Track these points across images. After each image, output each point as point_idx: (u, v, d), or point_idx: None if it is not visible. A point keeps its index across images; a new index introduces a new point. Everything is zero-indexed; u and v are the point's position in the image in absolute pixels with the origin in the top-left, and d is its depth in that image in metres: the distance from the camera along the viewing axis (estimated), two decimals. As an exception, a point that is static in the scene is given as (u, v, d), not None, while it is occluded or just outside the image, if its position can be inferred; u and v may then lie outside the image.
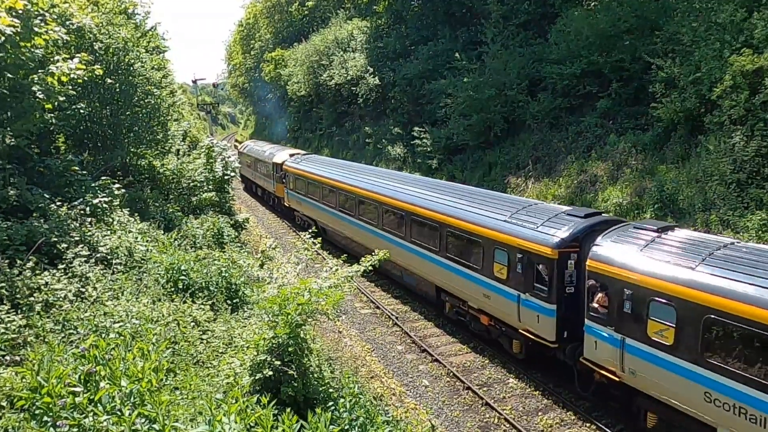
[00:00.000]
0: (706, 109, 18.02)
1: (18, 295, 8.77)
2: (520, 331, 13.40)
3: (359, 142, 43.40)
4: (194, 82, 73.28)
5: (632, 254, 10.78)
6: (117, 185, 15.41)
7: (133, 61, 18.31)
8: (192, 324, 10.63)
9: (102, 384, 5.85)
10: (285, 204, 31.18)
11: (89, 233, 11.87)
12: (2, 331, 7.77)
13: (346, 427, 7.57)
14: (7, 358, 7.36)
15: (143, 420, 5.49)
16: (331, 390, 8.98)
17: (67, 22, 14.46)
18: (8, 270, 9.09)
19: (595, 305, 11.23)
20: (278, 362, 8.39)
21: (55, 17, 13.47)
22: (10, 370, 6.62)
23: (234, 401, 6.29)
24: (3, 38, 10.46)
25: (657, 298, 9.98)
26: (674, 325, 9.67)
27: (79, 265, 10.47)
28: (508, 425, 11.98)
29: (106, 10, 18.91)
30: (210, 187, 23.94)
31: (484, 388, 13.40)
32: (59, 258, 10.47)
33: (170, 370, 8.01)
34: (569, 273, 12.36)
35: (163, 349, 7.30)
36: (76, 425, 5.33)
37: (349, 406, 8.02)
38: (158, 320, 9.93)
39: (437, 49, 35.19)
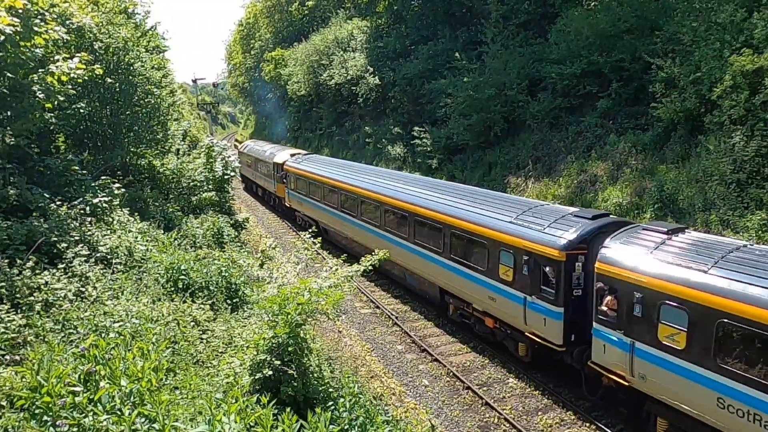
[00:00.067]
0: (706, 109, 18.02)
1: (18, 295, 8.77)
2: (526, 334, 13.23)
3: (359, 142, 43.40)
4: (194, 81, 73.28)
5: (642, 256, 10.56)
6: (117, 185, 15.42)
7: (133, 60, 18.32)
8: (192, 324, 10.63)
9: (102, 383, 5.85)
10: (286, 204, 31.04)
11: (89, 233, 11.87)
12: (2, 330, 7.77)
13: (345, 427, 7.57)
14: (7, 357, 7.36)
15: (143, 419, 5.49)
16: (330, 390, 8.98)
17: (67, 22, 14.46)
18: (8, 269, 9.09)
19: (604, 308, 11.02)
20: (278, 362, 8.39)
21: (55, 17, 13.47)
22: (10, 370, 6.62)
23: (234, 401, 6.29)
24: (3, 37, 10.46)
25: (668, 302, 9.77)
26: (686, 329, 9.47)
27: (79, 265, 10.47)
28: (507, 425, 11.97)
29: (106, 9, 18.90)
30: (210, 186, 23.95)
31: (484, 388, 13.40)
32: (59, 257, 10.47)
33: (170, 369, 8.01)
34: (577, 275, 12.16)
35: (162, 348, 7.30)
36: (75, 425, 5.33)
37: (348, 405, 8.02)
38: (158, 320, 9.93)
39: (437, 49, 35.20)
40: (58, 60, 12.28)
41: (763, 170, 15.67)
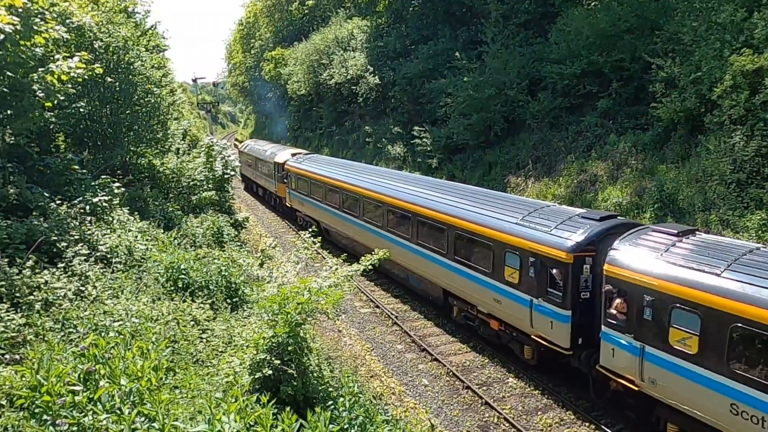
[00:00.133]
0: (706, 109, 18.02)
1: (18, 294, 8.77)
2: (532, 337, 13.04)
3: (359, 142, 43.40)
4: (194, 80, 73.37)
5: (652, 259, 10.34)
6: (117, 184, 15.42)
7: (133, 59, 18.32)
8: (192, 323, 10.64)
9: (101, 383, 5.86)
10: (287, 204, 30.86)
11: (89, 232, 11.88)
12: (2, 329, 7.77)
13: (345, 426, 7.57)
14: (7, 356, 7.36)
15: (143, 419, 5.49)
16: (330, 389, 8.98)
17: (67, 21, 14.46)
18: (8, 269, 9.09)
19: (613, 311, 10.82)
20: (278, 361, 8.40)
21: (55, 16, 13.47)
22: (10, 369, 6.62)
23: (233, 400, 6.29)
24: (2, 36, 10.45)
25: (680, 305, 9.56)
26: (698, 334, 9.27)
27: (79, 264, 10.48)
28: (507, 425, 11.97)
29: (106, 8, 18.90)
30: (210, 186, 23.94)
31: (484, 388, 13.40)
32: (59, 257, 10.48)
33: (170, 368, 8.02)
34: (584, 278, 11.98)
35: (162, 348, 7.30)
36: (75, 424, 5.33)
37: (348, 405, 8.02)
38: (158, 319, 9.94)
39: (437, 49, 35.19)
40: (58, 59, 12.28)
41: (763, 170, 15.67)
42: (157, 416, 5.52)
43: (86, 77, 13.38)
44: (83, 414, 5.44)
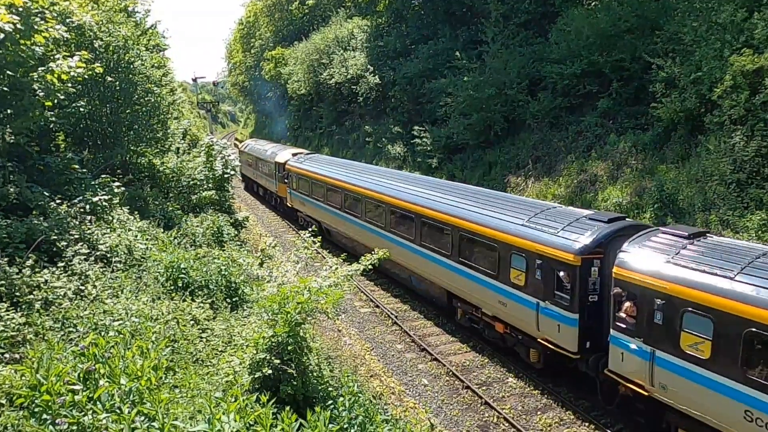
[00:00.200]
0: (707, 109, 18.02)
1: (17, 293, 8.78)
2: (538, 340, 12.83)
3: (359, 141, 43.40)
4: (194, 80, 73.38)
5: (663, 262, 10.11)
6: (117, 183, 15.43)
7: (133, 59, 18.32)
8: (191, 322, 10.65)
9: (101, 382, 5.86)
10: (288, 204, 30.73)
11: (89, 231, 11.89)
12: (2, 328, 7.78)
13: (345, 426, 7.57)
14: (7, 355, 7.37)
15: (142, 418, 5.50)
16: (330, 389, 8.98)
17: (67, 20, 14.47)
18: (8, 268, 9.09)
19: (622, 315, 10.64)
20: (278, 361, 8.40)
21: (55, 15, 13.47)
22: (10, 368, 6.62)
23: (233, 400, 6.29)
24: (3, 35, 10.46)
25: (692, 309, 9.34)
26: (711, 338, 9.05)
27: (79, 263, 10.49)
28: (507, 424, 11.97)
29: (107, 7, 18.90)
30: (210, 185, 23.94)
31: (484, 387, 13.40)
32: (59, 256, 10.49)
33: (169, 368, 8.02)
34: (592, 280, 11.78)
35: (162, 347, 7.31)
36: (75, 423, 5.34)
37: (348, 404, 8.02)
38: (158, 318, 9.95)
39: (437, 48, 35.18)
40: (58, 58, 12.28)
41: (763, 170, 15.66)
42: (156, 415, 5.53)
43: (86, 76, 13.39)
44: (83, 413, 5.45)
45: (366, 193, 20.80)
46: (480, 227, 14.47)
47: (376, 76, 39.61)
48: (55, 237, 10.67)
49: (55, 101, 12.84)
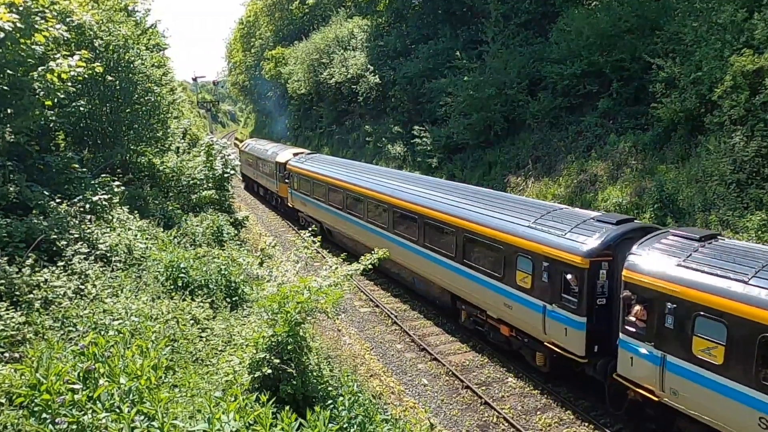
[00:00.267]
0: (707, 109, 18.02)
1: (17, 292, 8.78)
2: (545, 343, 12.68)
3: (359, 141, 43.40)
4: (194, 79, 73.36)
5: (675, 264, 9.93)
6: (117, 182, 15.44)
7: (133, 58, 18.32)
8: (191, 322, 10.65)
9: (101, 381, 5.87)
10: (289, 205, 30.63)
11: (89, 230, 11.89)
12: (1, 328, 7.78)
13: (345, 426, 7.57)
14: (6, 355, 7.37)
15: (142, 417, 5.50)
16: (330, 388, 8.99)
17: (68, 19, 14.47)
18: (8, 267, 9.10)
19: (632, 319, 10.46)
20: (277, 360, 8.41)
21: (56, 14, 13.47)
22: (9, 367, 6.62)
23: (233, 399, 6.30)
24: (3, 35, 10.46)
25: (704, 313, 9.14)
26: (724, 343, 8.88)
27: (79, 263, 10.49)
28: (506, 424, 11.97)
29: (107, 7, 18.90)
30: (210, 184, 23.94)
31: (483, 387, 13.40)
32: (59, 255, 10.49)
33: (169, 367, 8.02)
34: (601, 283, 11.58)
35: (162, 346, 7.31)
36: (75, 422, 5.34)
37: (348, 404, 8.02)
38: (157, 318, 9.95)
39: (437, 48, 35.17)
40: (58, 57, 12.28)
41: (763, 170, 15.66)
42: (156, 415, 5.53)
43: (86, 76, 13.40)
44: (82, 412, 5.45)
45: (368, 194, 20.64)
46: (485, 229, 14.27)
47: (376, 76, 39.60)
48: (55, 236, 10.68)
49: (55, 100, 12.84)
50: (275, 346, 8.61)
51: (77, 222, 11.89)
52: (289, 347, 8.58)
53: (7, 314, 8.07)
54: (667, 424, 10.53)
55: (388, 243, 18.33)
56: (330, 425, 6.72)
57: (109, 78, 16.53)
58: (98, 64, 14.10)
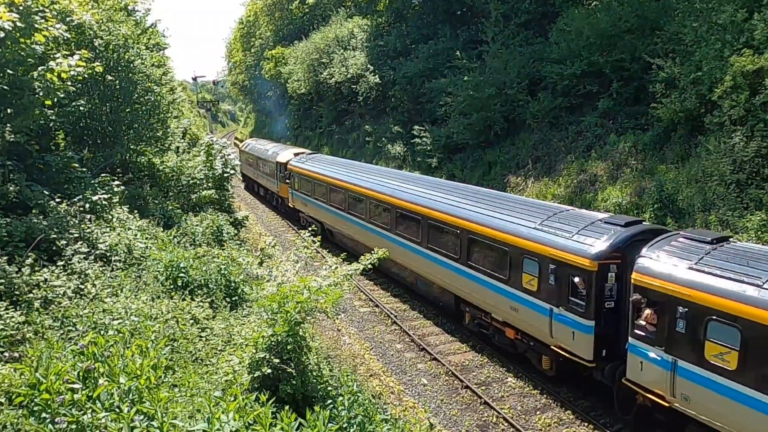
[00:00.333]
0: (707, 110, 18.02)
1: (17, 292, 8.78)
2: (551, 347, 12.50)
3: (359, 141, 43.40)
4: (194, 79, 73.34)
5: (686, 268, 9.77)
6: (116, 182, 15.43)
7: (133, 58, 18.32)
8: (191, 321, 10.65)
9: (101, 381, 5.86)
10: (289, 205, 30.54)
11: (88, 230, 11.88)
12: (1, 327, 7.78)
13: (344, 425, 7.57)
14: (6, 354, 7.37)
15: (142, 417, 5.49)
16: (329, 388, 8.98)
17: (68, 19, 14.47)
18: (7, 266, 9.09)
19: (642, 323, 10.31)
20: (277, 360, 8.41)
21: (56, 14, 13.47)
22: (9, 367, 6.62)
23: (233, 399, 6.30)
24: (3, 34, 10.46)
25: (717, 318, 8.98)
26: (738, 348, 8.70)
27: (78, 262, 10.49)
28: (506, 424, 11.98)
29: (107, 6, 18.91)
30: (209, 184, 23.94)
31: (483, 387, 13.40)
32: (58, 255, 10.48)
33: (169, 367, 8.02)
34: (609, 286, 11.42)
35: (161, 346, 7.31)
36: (74, 422, 5.33)
37: (347, 404, 8.02)
38: (157, 317, 9.95)
39: (437, 48, 35.17)
40: (58, 57, 12.28)
41: (762, 171, 15.67)
42: (156, 414, 5.52)
43: (86, 75, 13.38)
44: (82, 412, 5.45)
45: (371, 194, 20.51)
46: (490, 230, 14.11)
47: (376, 76, 39.60)
48: (55, 236, 10.67)
49: (55, 100, 12.84)
50: (275, 345, 8.60)
51: (77, 221, 11.88)
52: (288, 347, 8.58)
53: (7, 314, 8.06)
54: (678, 430, 10.34)
55: (391, 244, 18.18)
56: (329, 425, 6.71)
57: (109, 77, 16.53)
58: (98, 63, 14.10)
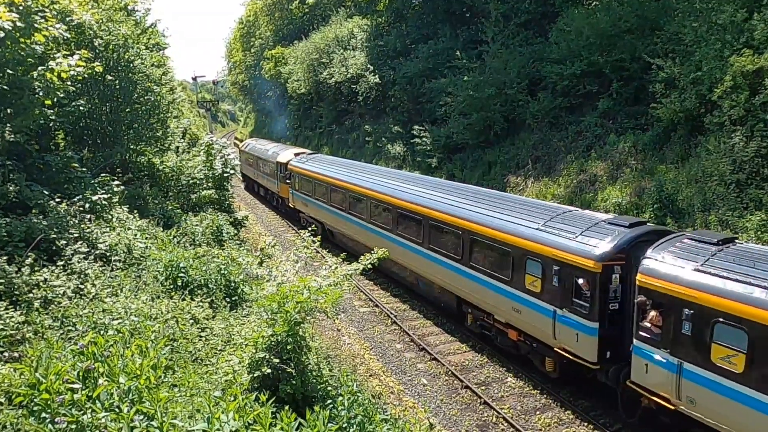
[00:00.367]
0: (706, 110, 18.03)
1: (17, 292, 8.77)
2: (555, 349, 12.45)
3: (359, 141, 43.40)
4: (194, 79, 73.31)
5: (692, 269, 9.69)
6: (116, 182, 15.42)
7: (133, 57, 18.31)
8: (191, 321, 10.64)
9: (100, 381, 5.86)
10: (290, 205, 30.49)
11: (88, 230, 11.88)
12: (1, 327, 7.78)
13: (344, 425, 7.57)
14: (6, 354, 7.37)
15: (141, 417, 5.49)
16: (329, 388, 8.98)
17: (68, 19, 14.47)
18: (7, 266, 9.09)
19: (647, 324, 10.26)
20: (277, 360, 8.40)
21: (55, 13, 13.47)
22: (9, 367, 6.62)
23: (232, 399, 6.30)
24: (3, 34, 10.46)
25: (723, 320, 8.91)
26: (745, 351, 8.62)
27: (78, 262, 10.48)
28: (506, 424, 11.98)
29: (107, 6, 18.89)
30: (209, 184, 23.93)
31: (483, 387, 13.40)
32: (58, 254, 10.48)
33: (169, 367, 8.02)
34: (613, 288, 11.36)
35: (161, 346, 7.30)
36: (74, 422, 5.33)
37: (347, 404, 8.01)
38: (157, 317, 9.94)
39: (437, 48, 35.19)
40: (58, 57, 12.28)
41: (762, 171, 15.67)
42: (155, 414, 5.52)
43: (86, 75, 13.38)
44: (82, 412, 5.44)
45: (372, 195, 20.45)
46: (493, 231, 14.04)
47: (376, 76, 39.60)
48: (55, 236, 10.67)
49: (55, 100, 12.83)
50: (275, 345, 8.60)
51: (77, 221, 11.88)
52: (288, 347, 8.58)
53: (7, 314, 8.06)
54: None
55: (391, 244, 18.14)
56: (329, 425, 6.71)
57: (109, 77, 16.52)
58: (98, 63, 14.09)
